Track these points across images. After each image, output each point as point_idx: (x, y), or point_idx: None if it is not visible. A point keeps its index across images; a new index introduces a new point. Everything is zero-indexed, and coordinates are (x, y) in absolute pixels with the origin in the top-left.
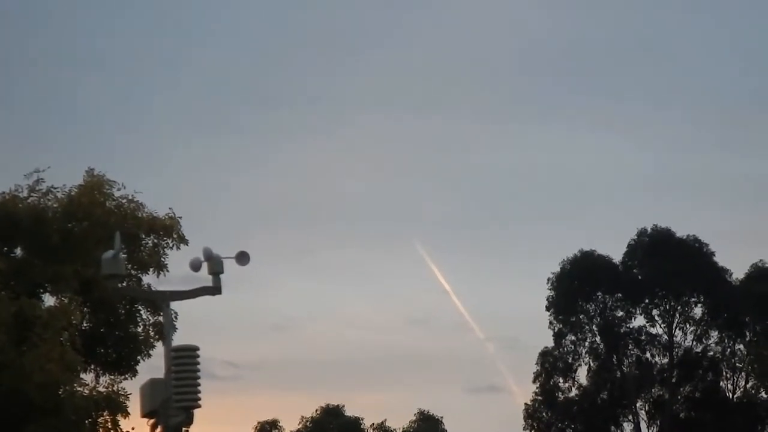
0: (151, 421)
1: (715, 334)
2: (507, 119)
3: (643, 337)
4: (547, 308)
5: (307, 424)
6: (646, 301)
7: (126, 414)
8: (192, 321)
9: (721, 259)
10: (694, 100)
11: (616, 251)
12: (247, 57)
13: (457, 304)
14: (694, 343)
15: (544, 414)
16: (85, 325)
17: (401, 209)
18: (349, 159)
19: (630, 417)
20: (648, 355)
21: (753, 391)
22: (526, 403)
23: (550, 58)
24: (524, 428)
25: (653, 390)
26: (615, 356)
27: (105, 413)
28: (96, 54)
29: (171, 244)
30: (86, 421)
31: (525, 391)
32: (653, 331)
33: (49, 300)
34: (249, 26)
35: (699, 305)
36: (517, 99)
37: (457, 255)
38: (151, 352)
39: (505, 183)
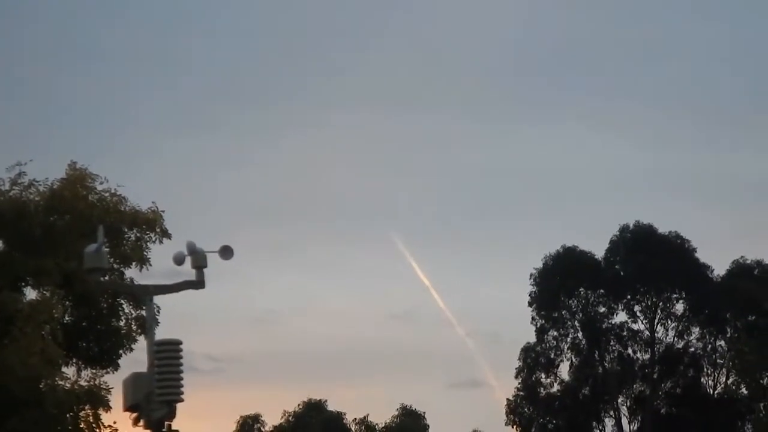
0: (134, 415)
1: (696, 330)
2: (489, 116)
3: (624, 333)
4: (530, 304)
5: (290, 418)
6: (628, 297)
7: (108, 408)
8: (174, 314)
9: (702, 256)
10: (678, 97)
11: (598, 247)
12: (234, 55)
13: (438, 300)
14: (676, 339)
15: (526, 409)
16: (66, 318)
17: (383, 205)
18: (331, 155)
19: (611, 412)
20: (630, 350)
21: (734, 387)
22: (508, 399)
23: (533, 54)
24: (506, 423)
25: (635, 386)
26: (597, 352)
27: (87, 407)
28: (82, 49)
29: (154, 238)
30: (68, 415)
31: (507, 387)
32: (635, 327)
33: (30, 293)
34: (235, 25)
35: (680, 301)
36: (500, 96)
37: (439, 251)
38: (133, 346)
39: (487, 179)
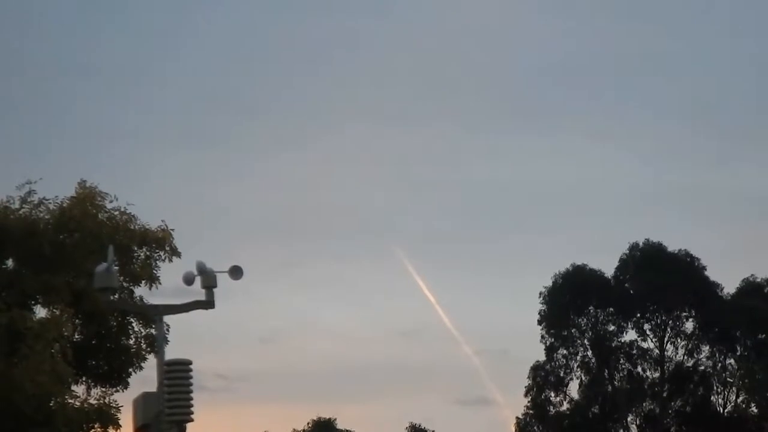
0: None
1: (706, 349)
2: (496, 131)
3: (634, 352)
4: (539, 322)
5: None
6: (638, 315)
7: (117, 426)
8: (183, 333)
9: (712, 274)
10: (689, 113)
11: (607, 265)
12: (238, 67)
13: (445, 317)
14: (685, 357)
15: (535, 428)
16: (76, 336)
17: (389, 221)
18: (335, 170)
19: (621, 431)
20: (639, 369)
21: (744, 406)
22: (517, 417)
23: (542, 68)
24: None
25: (644, 404)
26: (606, 370)
27: (96, 425)
28: (87, 65)
29: (163, 257)
30: None
31: (516, 405)
32: (644, 345)
33: (40, 311)
34: (236, 36)
35: (690, 320)
36: (508, 110)
37: (447, 269)
38: (143, 364)
39: (495, 195)
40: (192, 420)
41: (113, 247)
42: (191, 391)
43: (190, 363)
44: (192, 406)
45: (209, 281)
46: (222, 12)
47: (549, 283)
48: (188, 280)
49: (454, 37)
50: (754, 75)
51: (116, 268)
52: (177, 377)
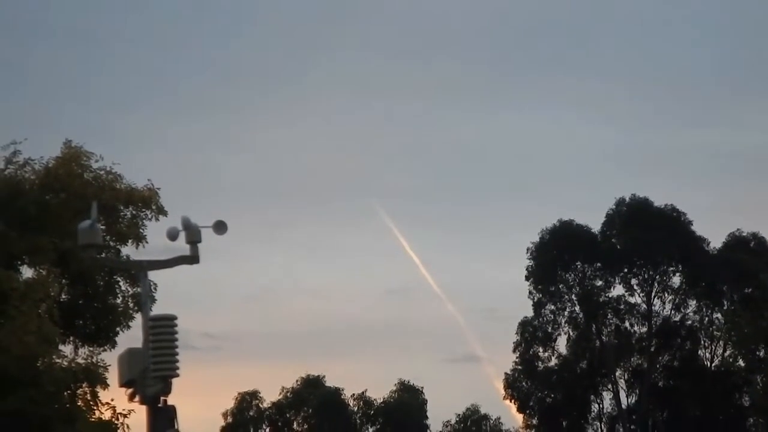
0: (129, 391)
1: (693, 303)
2: (480, 96)
3: (621, 307)
4: (527, 278)
5: (288, 395)
6: (625, 270)
7: (105, 385)
8: (171, 293)
9: (698, 229)
10: (675, 75)
11: (594, 221)
12: (237, 39)
13: (432, 277)
14: (673, 312)
15: (524, 383)
16: (63, 297)
17: (374, 184)
18: (324, 137)
19: (609, 386)
20: (627, 324)
21: (730, 360)
22: (506, 373)
23: (521, 34)
24: (504, 398)
25: (632, 359)
26: (594, 326)
27: (84, 385)
28: (78, 30)
29: (150, 216)
30: (65, 393)
31: (505, 361)
32: (632, 300)
33: (26, 272)
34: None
35: (677, 274)
36: (492, 76)
37: (436, 229)
38: (130, 323)
39: (479, 156)
40: (177, 375)
41: (97, 204)
42: (176, 347)
43: (175, 318)
44: (177, 361)
45: (193, 236)
46: None
47: (536, 239)
48: (172, 235)
49: (433, 8)
50: (736, 36)
51: (102, 226)
52: (162, 332)
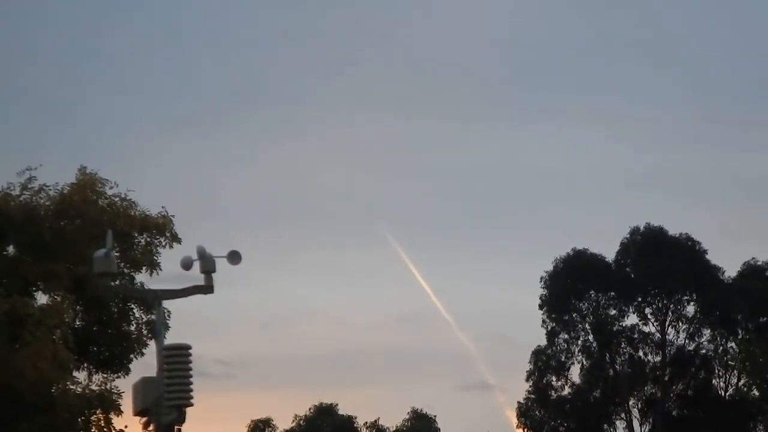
0: (144, 419)
1: (707, 332)
2: (491, 118)
3: (635, 336)
4: (540, 307)
5: (301, 422)
6: (639, 299)
7: (119, 412)
8: (184, 319)
9: (713, 257)
10: (688, 98)
11: (608, 250)
12: (241, 57)
13: (443, 304)
14: (687, 341)
15: (537, 412)
16: (77, 323)
17: (387, 208)
18: (334, 158)
19: (623, 415)
20: (641, 353)
21: (745, 389)
22: (519, 402)
23: (537, 56)
24: (517, 426)
25: (646, 388)
26: (608, 354)
27: (98, 411)
28: (90, 53)
29: (164, 243)
30: (79, 419)
31: (518, 390)
32: (646, 329)
33: (41, 298)
34: (243, 26)
35: (691, 303)
36: (503, 98)
37: (449, 255)
38: (144, 350)
39: (491, 181)
40: (192, 404)
41: (112, 232)
42: (191, 376)
43: (190, 348)
44: (192, 390)
45: (208, 266)
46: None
47: (549, 267)
48: (186, 265)
49: (448, 30)
50: (751, 60)
51: (116, 253)
52: (176, 362)
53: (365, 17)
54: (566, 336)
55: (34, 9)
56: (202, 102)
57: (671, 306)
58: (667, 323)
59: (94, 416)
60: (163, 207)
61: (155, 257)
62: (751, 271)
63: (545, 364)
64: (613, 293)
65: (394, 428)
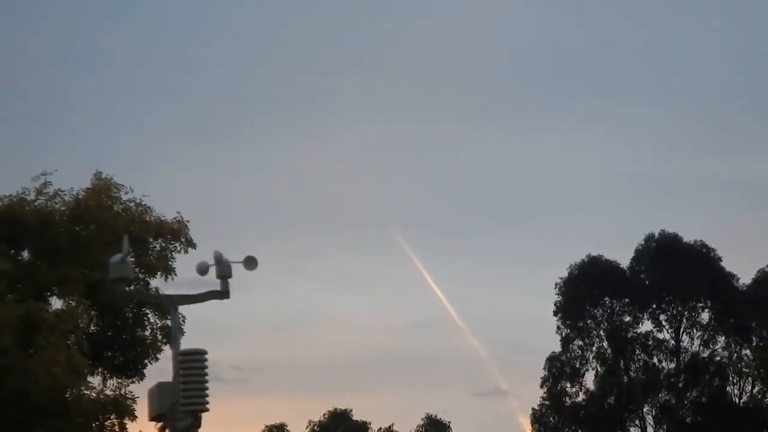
0: (159, 424)
1: (721, 339)
2: (509, 123)
3: (650, 342)
4: (555, 313)
5: (315, 428)
6: (654, 306)
7: (133, 417)
8: (199, 324)
9: (728, 264)
10: (707, 105)
11: (623, 256)
12: (253, 61)
13: (458, 309)
14: (701, 348)
15: (551, 419)
16: (92, 328)
17: (401, 214)
18: (349, 164)
19: (637, 422)
20: (655, 360)
21: (759, 396)
22: (533, 408)
23: (551, 61)
24: None
25: (660, 395)
26: (622, 361)
27: (112, 416)
28: (102, 56)
29: (179, 248)
30: (93, 425)
31: (532, 396)
32: (660, 336)
33: (56, 303)
34: (249, 29)
35: (706, 310)
36: (519, 103)
37: (462, 261)
38: (158, 355)
39: (510, 188)
40: (207, 410)
41: (128, 237)
42: (206, 381)
43: (205, 353)
44: (207, 395)
45: (224, 271)
46: (236, 5)
47: (564, 274)
48: (202, 270)
49: (457, 34)
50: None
51: (131, 259)
52: (192, 367)
53: (378, 20)
54: (581, 342)
55: (41, 11)
56: (217, 107)
57: (686, 313)
58: (681, 330)
59: (109, 421)
60: (178, 212)
61: (170, 262)
62: (765, 279)
63: (560, 370)
64: (627, 300)
65: None
